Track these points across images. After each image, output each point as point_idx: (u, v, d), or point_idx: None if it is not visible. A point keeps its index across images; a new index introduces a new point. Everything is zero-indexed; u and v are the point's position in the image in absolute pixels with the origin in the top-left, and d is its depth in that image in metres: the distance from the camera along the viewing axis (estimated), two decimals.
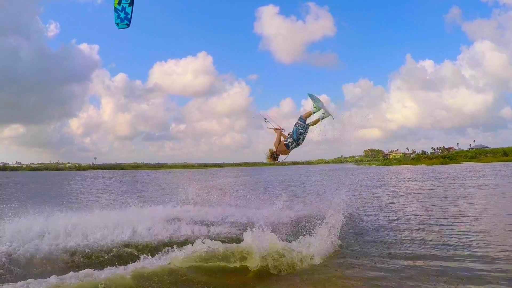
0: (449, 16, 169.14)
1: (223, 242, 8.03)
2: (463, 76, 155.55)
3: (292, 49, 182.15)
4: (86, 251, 7.87)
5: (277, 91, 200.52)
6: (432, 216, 12.19)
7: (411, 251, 7.79)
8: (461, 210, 13.35)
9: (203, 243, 7.44)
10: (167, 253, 7.13)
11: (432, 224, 10.71)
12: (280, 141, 8.17)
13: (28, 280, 5.80)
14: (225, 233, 9.79)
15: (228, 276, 6.43)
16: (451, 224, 10.67)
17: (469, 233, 9.30)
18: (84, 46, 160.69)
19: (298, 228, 9.81)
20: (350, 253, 7.77)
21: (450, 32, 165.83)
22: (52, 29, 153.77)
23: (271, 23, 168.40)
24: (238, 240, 8.09)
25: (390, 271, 6.49)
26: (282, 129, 8.27)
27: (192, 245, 7.36)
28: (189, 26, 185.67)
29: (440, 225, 10.60)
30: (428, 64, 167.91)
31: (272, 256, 6.88)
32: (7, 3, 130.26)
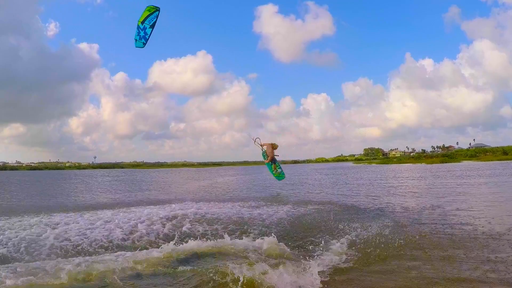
0: (449, 15, 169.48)
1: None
2: (462, 75, 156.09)
3: (291, 48, 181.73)
4: (82, 250, 8.04)
5: (277, 90, 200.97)
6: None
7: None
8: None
9: (199, 242, 7.79)
10: (161, 253, 7.33)
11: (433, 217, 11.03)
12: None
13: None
14: (220, 233, 9.93)
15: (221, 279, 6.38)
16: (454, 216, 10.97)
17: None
18: (84, 46, 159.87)
19: (299, 237, 9.76)
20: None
21: (450, 31, 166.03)
22: (52, 28, 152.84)
23: (270, 22, 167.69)
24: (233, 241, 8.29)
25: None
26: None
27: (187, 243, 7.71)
28: (188, 25, 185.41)
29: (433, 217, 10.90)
30: (427, 63, 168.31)
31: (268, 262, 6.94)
32: (7, 2, 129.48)
